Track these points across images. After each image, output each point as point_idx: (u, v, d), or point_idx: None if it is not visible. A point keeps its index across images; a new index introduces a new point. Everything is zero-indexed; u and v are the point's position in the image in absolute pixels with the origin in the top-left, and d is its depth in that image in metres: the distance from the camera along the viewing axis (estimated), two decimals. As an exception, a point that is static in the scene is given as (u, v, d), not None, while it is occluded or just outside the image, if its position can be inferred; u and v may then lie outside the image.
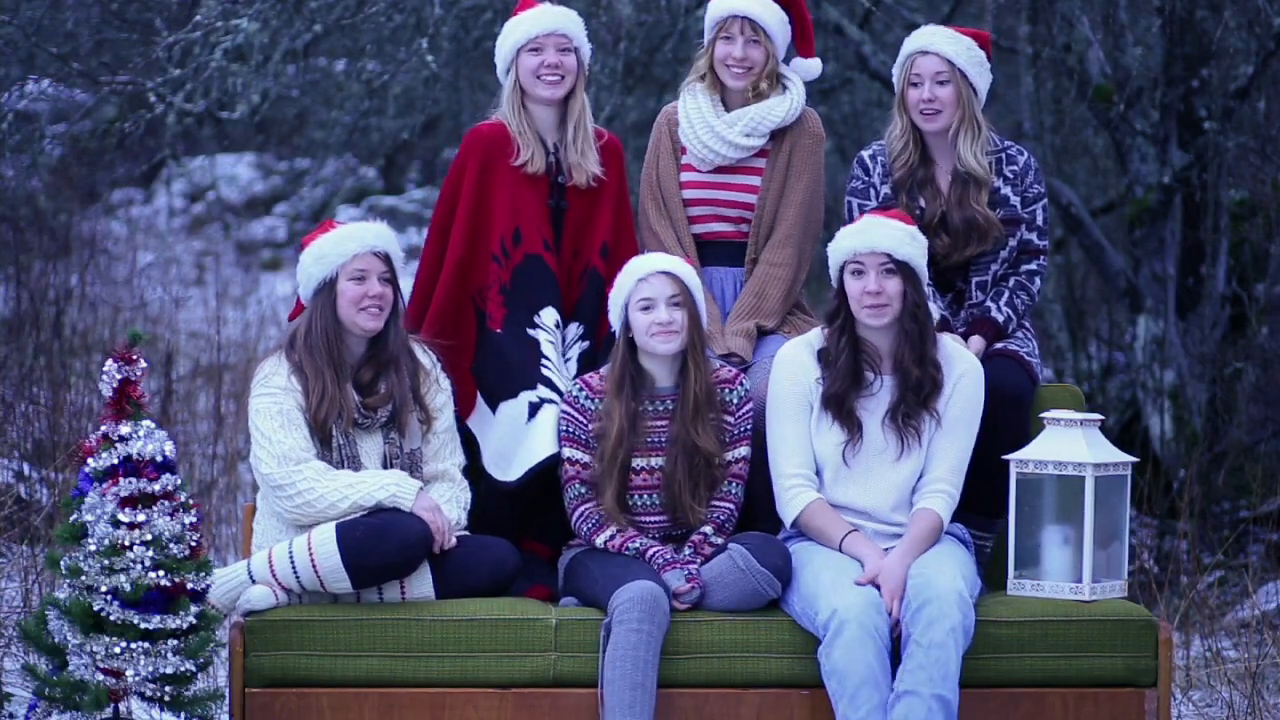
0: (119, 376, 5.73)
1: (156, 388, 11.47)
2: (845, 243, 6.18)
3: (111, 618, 5.62)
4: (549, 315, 6.45)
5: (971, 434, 6.22)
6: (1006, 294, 6.61)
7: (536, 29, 6.53)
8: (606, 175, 6.59)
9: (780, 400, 6.22)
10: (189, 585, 5.67)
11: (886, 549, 6.11)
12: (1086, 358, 12.60)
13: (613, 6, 10.65)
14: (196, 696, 5.73)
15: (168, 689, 5.67)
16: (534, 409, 6.31)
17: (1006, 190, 6.62)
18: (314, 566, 6.02)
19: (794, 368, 6.24)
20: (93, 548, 5.63)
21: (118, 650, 5.62)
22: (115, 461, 5.67)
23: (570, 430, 6.23)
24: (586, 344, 6.50)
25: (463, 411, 6.43)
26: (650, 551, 6.11)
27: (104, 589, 5.62)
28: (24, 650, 6.33)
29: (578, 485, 6.21)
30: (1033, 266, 6.67)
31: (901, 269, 6.14)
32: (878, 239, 6.14)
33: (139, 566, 5.62)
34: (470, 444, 6.42)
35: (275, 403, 6.16)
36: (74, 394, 10.31)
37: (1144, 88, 11.01)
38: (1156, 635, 6.10)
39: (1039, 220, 6.66)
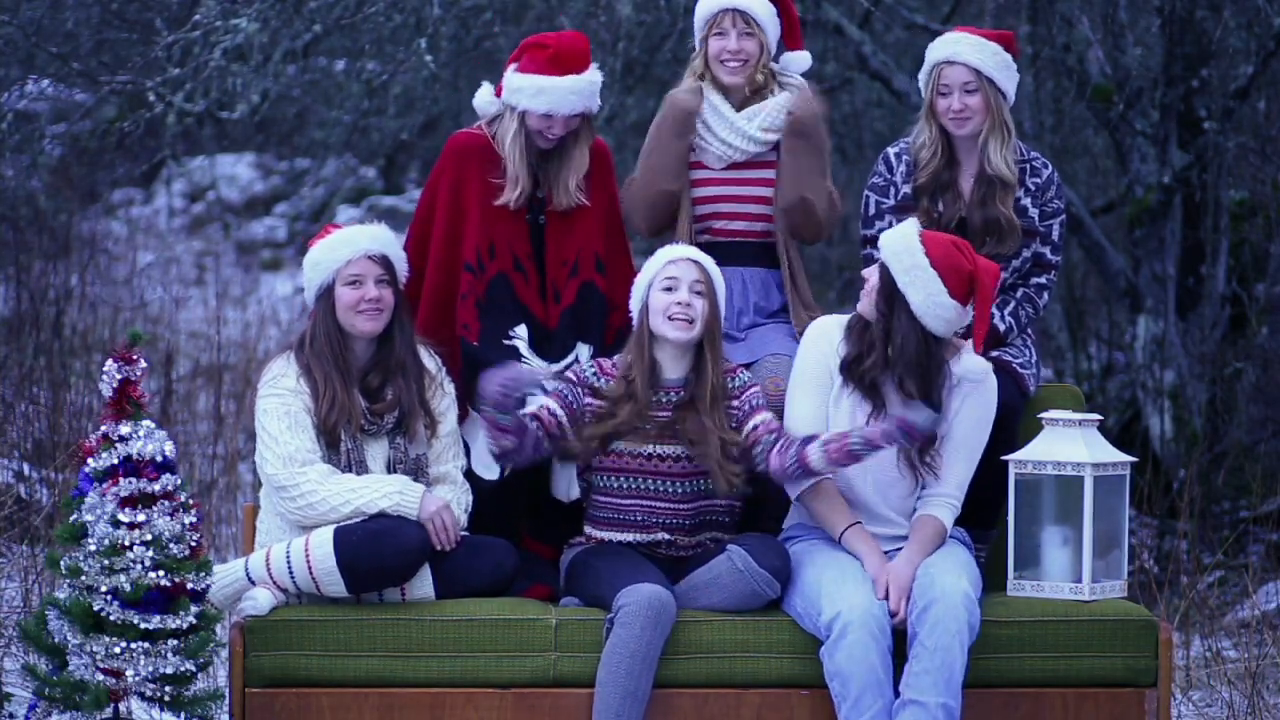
0: (119, 376, 5.73)
1: (156, 388, 11.47)
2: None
3: (111, 618, 5.62)
4: (521, 330, 6.44)
5: (978, 449, 6.19)
6: (1012, 304, 6.59)
7: (560, 109, 6.40)
8: (590, 193, 6.52)
9: (803, 371, 6.20)
10: (189, 585, 5.67)
11: (887, 551, 6.12)
12: (1086, 358, 12.60)
13: (613, 6, 10.65)
14: (196, 696, 5.73)
15: (168, 689, 5.67)
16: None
17: (1026, 201, 6.60)
18: (310, 569, 6.01)
19: (820, 342, 6.20)
20: (93, 548, 5.63)
21: (118, 650, 5.62)
22: (115, 461, 5.66)
23: (564, 392, 6.21)
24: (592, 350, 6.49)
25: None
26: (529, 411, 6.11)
27: (104, 589, 5.62)
28: (24, 650, 6.33)
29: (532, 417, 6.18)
30: (1042, 280, 6.65)
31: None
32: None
33: (139, 566, 5.62)
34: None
35: (283, 404, 6.16)
36: (74, 394, 10.31)
37: (1144, 88, 11.01)
38: (1156, 635, 6.10)
39: (1054, 235, 6.63)
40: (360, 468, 6.17)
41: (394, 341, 6.25)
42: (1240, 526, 10.27)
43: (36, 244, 12.40)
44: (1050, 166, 6.67)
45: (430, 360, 6.33)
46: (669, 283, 6.18)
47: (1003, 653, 6.08)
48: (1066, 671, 6.10)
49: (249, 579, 6.08)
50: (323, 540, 6.01)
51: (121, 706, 5.65)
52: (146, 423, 5.71)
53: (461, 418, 6.40)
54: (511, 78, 6.46)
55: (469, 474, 6.35)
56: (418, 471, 6.23)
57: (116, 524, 5.63)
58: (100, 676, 5.63)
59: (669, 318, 6.15)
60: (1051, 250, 6.63)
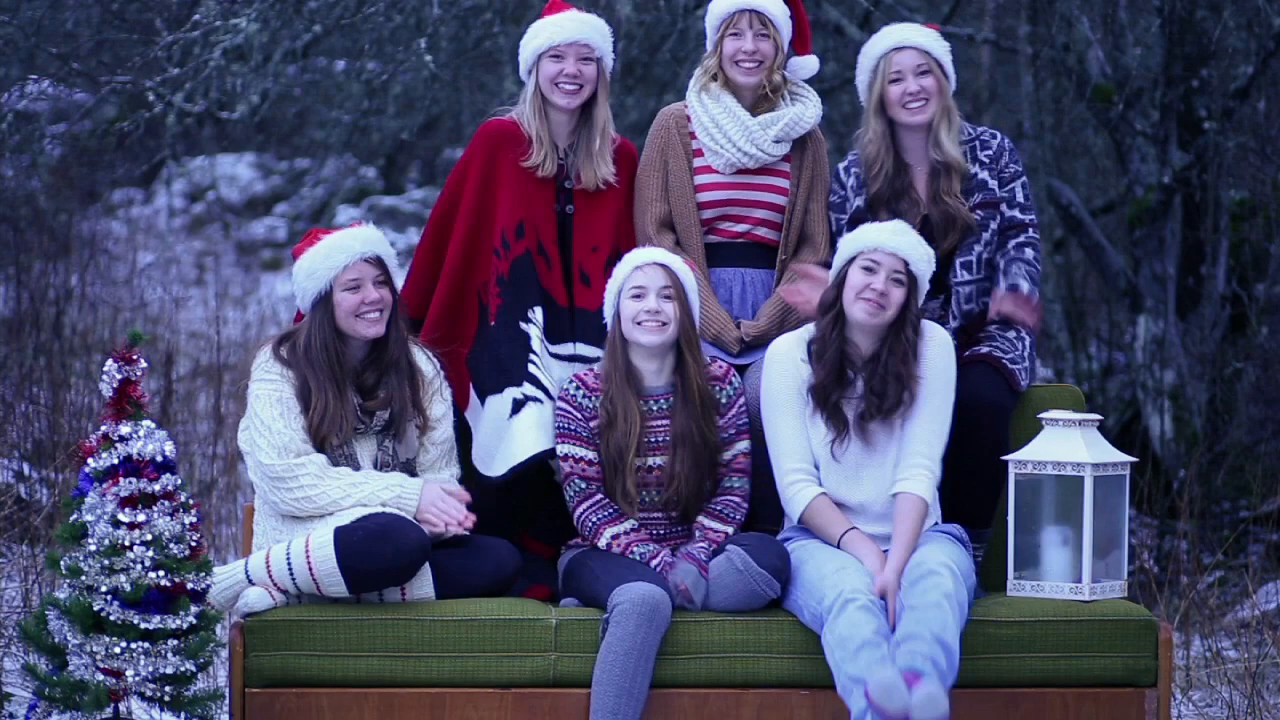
0: (119, 376, 5.73)
1: (156, 388, 11.48)
2: (869, 236, 6.18)
3: (111, 618, 5.62)
4: (538, 313, 6.47)
5: (947, 406, 6.19)
6: (1011, 268, 6.56)
7: (560, 37, 6.52)
8: (619, 180, 6.60)
9: (775, 396, 6.23)
10: (189, 585, 5.67)
11: (885, 549, 6.12)
12: (1086, 358, 12.60)
13: (613, 6, 10.65)
14: (196, 696, 5.73)
15: (168, 689, 5.67)
16: (517, 405, 6.32)
17: (984, 175, 6.61)
18: (310, 571, 6.01)
19: (785, 363, 6.24)
20: (93, 548, 5.63)
21: (118, 650, 5.62)
22: (115, 461, 5.66)
23: (569, 427, 6.22)
24: None
25: (461, 404, 6.43)
26: (654, 560, 6.10)
27: (104, 589, 5.62)
28: (24, 650, 6.34)
29: (578, 481, 6.21)
30: (1020, 239, 6.60)
31: (910, 282, 6.14)
32: (902, 244, 6.15)
33: (139, 566, 5.62)
34: (464, 439, 6.42)
35: (274, 389, 6.16)
36: (74, 394, 10.32)
37: (1144, 88, 11.02)
38: (1156, 635, 6.10)
39: (1019, 197, 6.62)
40: (350, 463, 6.17)
41: (389, 340, 6.25)
42: (1240, 526, 10.27)
43: (36, 244, 12.41)
44: (999, 135, 6.69)
45: (429, 364, 6.32)
46: (637, 290, 6.19)
47: (1003, 653, 6.08)
48: (1066, 671, 6.10)
49: (249, 580, 6.08)
50: (324, 541, 6.00)
51: (121, 706, 5.65)
52: (146, 423, 5.71)
53: (466, 404, 6.41)
54: (522, 49, 6.60)
55: (470, 471, 6.36)
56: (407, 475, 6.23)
57: (116, 524, 5.63)
58: (100, 676, 5.63)
59: (637, 323, 6.17)
60: (1020, 211, 6.61)
